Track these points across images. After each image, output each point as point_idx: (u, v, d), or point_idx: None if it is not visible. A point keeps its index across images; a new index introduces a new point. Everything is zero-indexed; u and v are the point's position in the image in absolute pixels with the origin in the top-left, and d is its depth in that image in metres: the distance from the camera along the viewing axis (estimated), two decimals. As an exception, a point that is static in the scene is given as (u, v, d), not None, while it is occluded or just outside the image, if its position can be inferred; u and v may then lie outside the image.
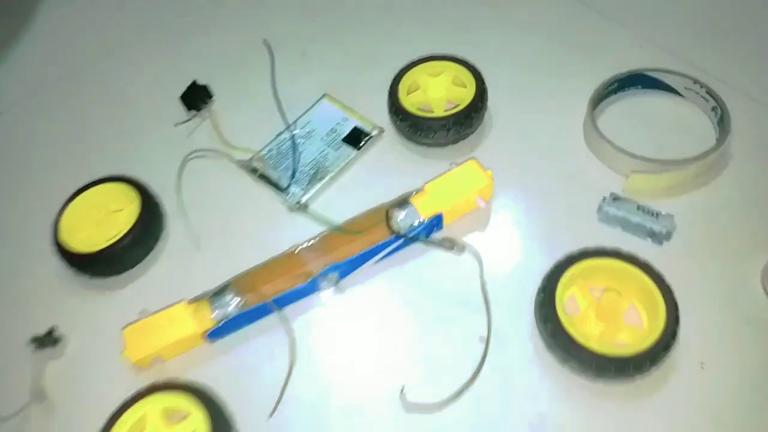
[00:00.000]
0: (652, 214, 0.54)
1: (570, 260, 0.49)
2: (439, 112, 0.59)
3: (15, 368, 0.52)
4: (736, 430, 0.45)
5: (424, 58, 0.62)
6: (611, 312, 0.48)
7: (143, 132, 0.67)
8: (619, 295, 0.48)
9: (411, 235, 0.53)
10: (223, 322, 0.50)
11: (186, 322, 0.50)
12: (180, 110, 0.66)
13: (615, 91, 0.61)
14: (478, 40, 0.68)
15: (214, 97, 0.67)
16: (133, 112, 0.69)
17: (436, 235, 0.55)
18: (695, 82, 0.59)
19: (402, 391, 0.47)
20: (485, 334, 0.49)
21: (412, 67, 0.62)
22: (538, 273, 0.50)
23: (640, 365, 0.44)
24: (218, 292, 0.51)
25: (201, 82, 0.67)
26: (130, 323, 0.50)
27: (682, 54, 0.64)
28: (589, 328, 0.47)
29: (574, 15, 0.70)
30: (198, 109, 0.66)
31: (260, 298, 0.51)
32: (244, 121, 0.65)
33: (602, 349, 0.44)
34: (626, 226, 0.54)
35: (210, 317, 0.50)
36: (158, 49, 0.75)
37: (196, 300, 0.52)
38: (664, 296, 0.46)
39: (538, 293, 0.48)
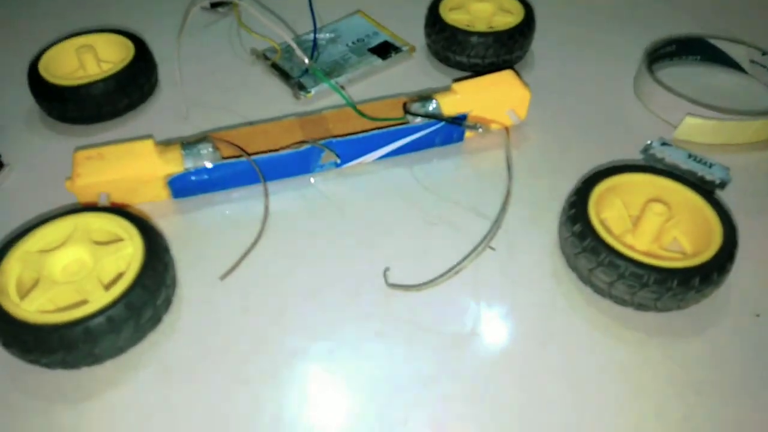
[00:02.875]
0: (705, 164, 0.46)
1: (608, 172, 0.41)
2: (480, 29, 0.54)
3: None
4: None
5: (472, -15, 0.58)
6: (654, 230, 0.40)
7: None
8: (668, 210, 0.40)
9: (428, 130, 0.46)
10: (192, 170, 0.42)
11: (149, 159, 0.42)
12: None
13: (671, 56, 0.56)
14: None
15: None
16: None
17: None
18: (764, 53, 0.53)
19: (385, 272, 0.38)
20: (495, 243, 0.41)
21: (458, -8, 0.57)
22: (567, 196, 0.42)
23: (687, 281, 0.35)
24: (194, 140, 0.44)
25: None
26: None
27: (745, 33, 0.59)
28: (626, 241, 0.39)
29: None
30: (224, 5, 0.62)
31: (240, 154, 0.43)
32: (268, 19, 0.60)
33: (641, 258, 0.36)
34: (674, 171, 0.46)
35: (178, 161, 0.43)
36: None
37: (166, 142, 0.44)
38: (720, 217, 0.38)
39: (568, 199, 0.40)
